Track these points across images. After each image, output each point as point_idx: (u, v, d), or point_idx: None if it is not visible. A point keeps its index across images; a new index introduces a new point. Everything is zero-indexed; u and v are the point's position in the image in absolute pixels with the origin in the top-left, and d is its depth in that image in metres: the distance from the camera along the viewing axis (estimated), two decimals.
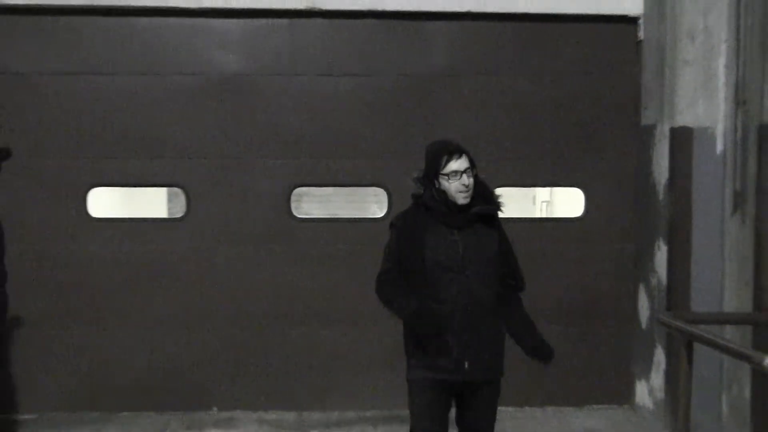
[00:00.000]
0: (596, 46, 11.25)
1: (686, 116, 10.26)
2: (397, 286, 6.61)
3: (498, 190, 10.62)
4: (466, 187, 6.61)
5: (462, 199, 6.61)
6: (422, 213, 6.70)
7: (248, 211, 11.12)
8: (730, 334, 9.10)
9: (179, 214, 11.41)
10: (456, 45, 11.20)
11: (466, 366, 6.60)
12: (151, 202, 11.99)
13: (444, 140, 6.88)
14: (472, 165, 6.69)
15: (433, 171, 6.68)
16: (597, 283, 11.32)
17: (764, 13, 9.16)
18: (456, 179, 6.61)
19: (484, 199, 6.75)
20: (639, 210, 11.25)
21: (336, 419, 10.70)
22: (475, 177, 6.71)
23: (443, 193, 6.64)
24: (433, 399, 6.74)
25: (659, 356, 10.74)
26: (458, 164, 6.60)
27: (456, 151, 6.64)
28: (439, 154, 6.68)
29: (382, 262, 6.75)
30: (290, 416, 10.91)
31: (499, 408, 10.05)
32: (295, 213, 11.29)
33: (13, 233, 10.40)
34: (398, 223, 6.80)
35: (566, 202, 11.93)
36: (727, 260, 9.97)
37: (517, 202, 12.68)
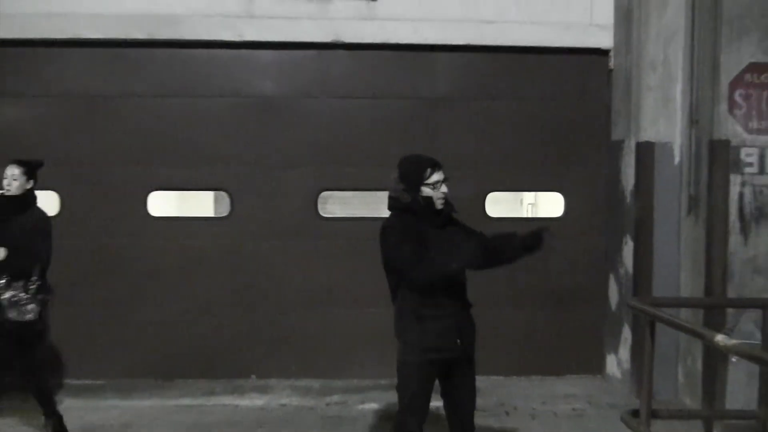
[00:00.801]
0: (574, 74, 11.37)
1: (649, 133, 10.46)
2: (438, 259, 6.51)
3: (491, 194, 10.88)
4: (444, 194, 6.71)
5: (440, 204, 6.70)
6: (410, 217, 6.69)
7: (282, 211, 11.25)
8: (685, 315, 9.13)
9: (224, 214, 11.52)
10: (456, 72, 11.35)
11: (459, 342, 6.69)
12: (200, 204, 12.17)
13: (422, 156, 6.92)
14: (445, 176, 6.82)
15: (417, 181, 6.70)
16: (574, 272, 11.42)
17: (713, 47, 9.33)
18: (438, 188, 6.69)
19: (447, 203, 6.81)
20: (609, 211, 11.35)
21: (355, 386, 10.80)
22: None
23: (428, 199, 6.68)
24: (429, 380, 6.76)
25: (626, 334, 10.88)
26: (439, 175, 6.68)
27: (437, 165, 6.72)
28: (423, 167, 6.72)
29: (398, 251, 6.57)
30: (316, 383, 11.03)
31: (491, 377, 10.38)
32: (321, 213, 11.42)
33: (86, 230, 10.92)
34: (396, 224, 6.73)
35: (548, 204, 12.12)
36: (682, 254, 10.35)
37: (507, 204, 12.79)
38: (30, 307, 8.79)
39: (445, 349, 6.65)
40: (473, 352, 6.88)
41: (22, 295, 8.83)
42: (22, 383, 8.89)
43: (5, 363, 8.73)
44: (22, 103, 11.11)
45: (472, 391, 6.96)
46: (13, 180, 8.74)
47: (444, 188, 6.69)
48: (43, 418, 8.94)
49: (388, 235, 6.71)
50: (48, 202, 10.72)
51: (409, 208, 6.71)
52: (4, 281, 8.74)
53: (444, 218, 6.80)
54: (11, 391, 9.27)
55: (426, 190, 6.67)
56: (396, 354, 6.83)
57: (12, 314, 8.72)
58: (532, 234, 6.68)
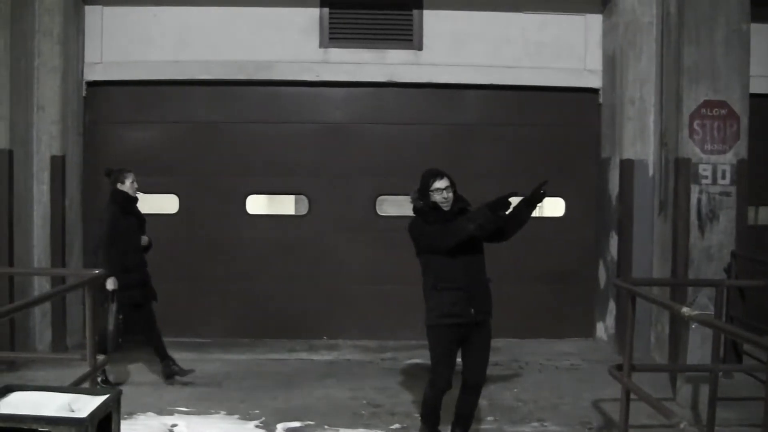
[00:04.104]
0: (572, 107, 11.52)
1: (629, 152, 10.65)
2: (457, 226, 6.58)
3: (509, 199, 11.05)
4: (446, 199, 6.70)
5: (444, 206, 6.73)
6: (425, 216, 6.78)
7: (349, 211, 11.44)
8: (656, 292, 9.30)
9: (303, 212, 11.62)
10: (482, 106, 11.54)
11: (472, 311, 6.69)
12: (284, 204, 12.37)
13: (430, 169, 6.89)
14: (452, 183, 6.77)
15: (425, 189, 6.75)
16: (572, 258, 11.56)
17: (677, 88, 9.64)
18: (439, 194, 6.70)
19: (460, 201, 6.80)
20: (599, 212, 11.45)
21: (404, 345, 10.81)
22: (454, 191, 6.80)
23: (434, 203, 6.71)
24: (449, 340, 6.75)
25: (612, 306, 11.05)
26: (441, 183, 6.69)
27: (438, 175, 6.75)
28: (428, 177, 6.77)
29: (426, 234, 6.72)
30: (373, 343, 11.19)
31: (506, 339, 10.31)
32: (379, 212, 11.55)
33: (198, 224, 11.19)
34: (418, 220, 6.84)
35: (553, 207, 12.20)
36: (655, 245, 10.49)
37: None
38: None
39: (457, 315, 6.67)
40: (487, 319, 6.88)
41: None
42: (144, 338, 9.23)
43: (134, 326, 9.08)
44: (152, 128, 11.37)
45: (483, 351, 6.93)
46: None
47: (445, 194, 6.72)
48: (160, 363, 9.23)
49: (414, 228, 6.85)
50: (170, 203, 11.22)
51: (421, 210, 6.84)
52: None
53: (455, 214, 6.77)
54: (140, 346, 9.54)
55: (432, 196, 6.73)
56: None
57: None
58: (532, 193, 6.81)
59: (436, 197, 6.74)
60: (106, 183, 9.28)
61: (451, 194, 6.78)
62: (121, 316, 8.80)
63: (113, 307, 8.75)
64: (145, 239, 9.19)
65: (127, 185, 9.03)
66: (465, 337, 6.82)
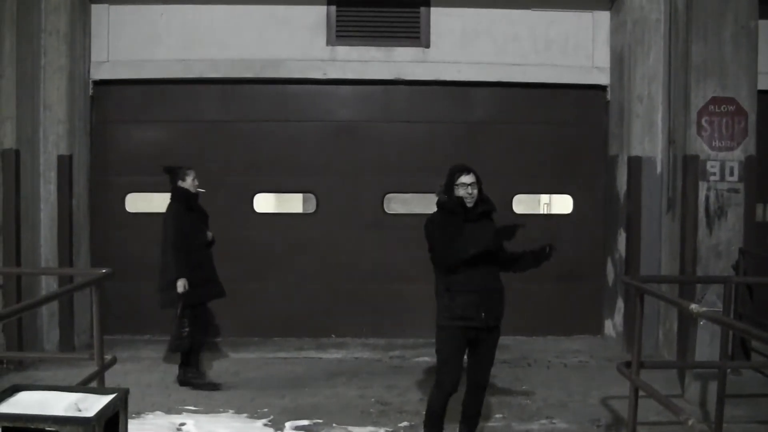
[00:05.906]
0: (580, 104, 11.60)
1: (637, 150, 10.71)
2: (459, 248, 6.53)
3: (516, 196, 11.08)
4: (470, 194, 6.65)
5: (468, 203, 6.68)
6: (447, 214, 6.73)
7: (356, 209, 11.49)
8: (665, 289, 9.42)
9: (311, 211, 11.73)
10: (490, 103, 11.60)
11: (483, 315, 6.63)
12: (292, 203, 12.41)
13: (457, 163, 6.88)
14: (478, 180, 6.74)
15: (450, 184, 6.72)
16: (580, 256, 11.56)
17: (685, 85, 9.68)
18: (464, 189, 6.66)
19: (485, 203, 6.79)
20: (607, 210, 11.49)
21: (412, 343, 10.90)
22: (480, 189, 6.77)
23: (459, 198, 6.68)
24: (458, 342, 6.70)
25: (620, 304, 11.08)
26: (467, 179, 6.65)
27: (465, 170, 6.72)
28: (453, 172, 6.75)
29: (433, 239, 6.68)
30: (382, 341, 11.23)
31: (514, 336, 10.43)
32: (387, 210, 11.61)
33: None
34: (435, 218, 6.78)
35: (560, 204, 12.23)
36: (663, 242, 10.58)
37: (528, 204, 12.76)
38: None
39: (469, 318, 6.63)
40: (497, 325, 6.84)
41: None
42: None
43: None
44: (159, 127, 11.46)
45: (489, 353, 6.91)
46: None
47: (470, 189, 6.69)
48: (180, 365, 9.16)
49: (428, 226, 6.79)
50: None
51: (444, 205, 6.81)
52: None
53: (479, 215, 6.76)
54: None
55: (457, 191, 6.70)
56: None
57: None
58: (540, 250, 6.81)
59: (461, 192, 6.72)
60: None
61: (476, 191, 6.76)
62: (186, 319, 8.80)
63: (179, 307, 8.77)
64: (209, 235, 9.20)
65: (189, 182, 9.08)
66: (474, 340, 6.81)
